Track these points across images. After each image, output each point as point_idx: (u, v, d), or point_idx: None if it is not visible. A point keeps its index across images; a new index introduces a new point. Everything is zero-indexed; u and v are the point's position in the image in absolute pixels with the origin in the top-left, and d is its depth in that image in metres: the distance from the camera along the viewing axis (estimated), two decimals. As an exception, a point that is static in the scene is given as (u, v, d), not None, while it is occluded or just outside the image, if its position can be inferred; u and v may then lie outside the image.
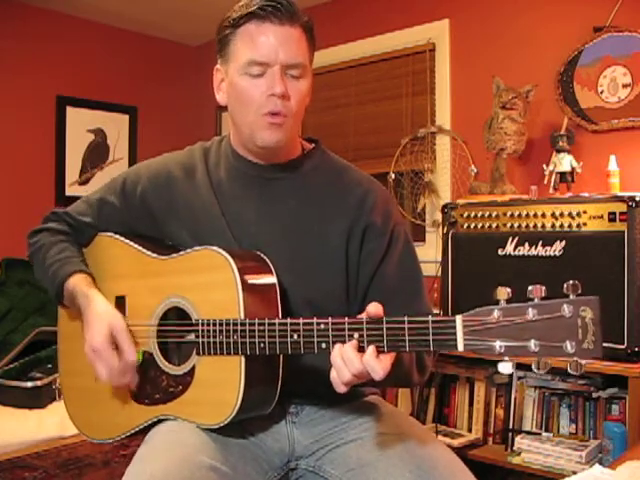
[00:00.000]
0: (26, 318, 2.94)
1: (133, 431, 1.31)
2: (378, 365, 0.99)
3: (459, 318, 0.96)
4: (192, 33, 4.15)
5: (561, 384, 2.37)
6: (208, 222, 1.31)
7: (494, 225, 2.44)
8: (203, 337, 1.18)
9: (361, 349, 1.02)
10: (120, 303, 1.34)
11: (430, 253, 3.06)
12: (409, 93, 3.32)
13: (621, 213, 2.13)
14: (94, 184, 3.78)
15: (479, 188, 2.74)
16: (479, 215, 2.48)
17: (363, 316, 1.04)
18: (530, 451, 2.27)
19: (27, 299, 2.97)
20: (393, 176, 3.28)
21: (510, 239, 2.37)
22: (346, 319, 1.04)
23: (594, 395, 2.28)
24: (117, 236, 1.39)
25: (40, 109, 3.71)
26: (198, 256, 1.24)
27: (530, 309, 0.92)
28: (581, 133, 2.68)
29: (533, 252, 2.31)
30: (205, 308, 1.21)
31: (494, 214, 2.44)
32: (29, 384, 2.54)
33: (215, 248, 1.21)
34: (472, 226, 2.49)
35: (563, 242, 2.24)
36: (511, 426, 2.44)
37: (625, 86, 2.60)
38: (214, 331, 1.17)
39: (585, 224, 2.21)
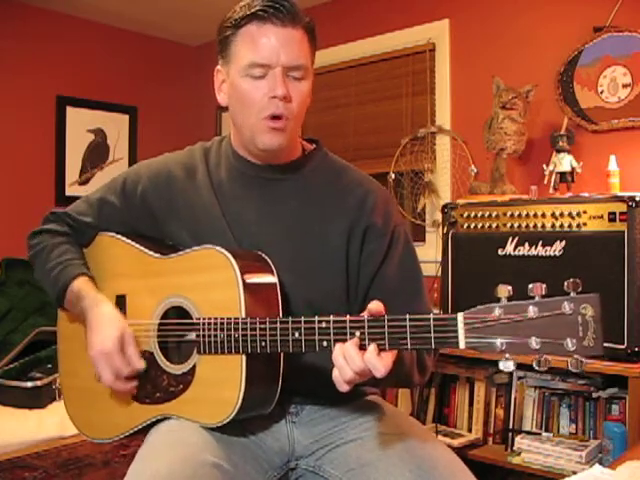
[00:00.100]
0: (26, 318, 2.94)
1: (133, 430, 1.31)
2: (379, 363, 0.99)
3: (460, 316, 0.96)
4: (192, 33, 4.15)
5: (561, 384, 2.37)
6: (208, 222, 1.31)
7: (494, 225, 2.44)
8: (204, 336, 1.19)
9: (363, 347, 1.02)
10: (120, 302, 1.34)
11: (430, 253, 3.06)
12: (409, 93, 3.32)
13: (621, 213, 2.13)
14: (94, 184, 3.78)
15: (479, 188, 2.74)
16: (479, 215, 2.48)
17: (364, 314, 1.04)
18: (530, 451, 2.26)
19: (27, 299, 2.97)
20: (393, 176, 3.28)
21: (510, 239, 2.37)
22: (348, 317, 1.05)
23: (594, 395, 2.28)
24: (118, 236, 1.39)
25: (40, 109, 3.71)
26: (199, 255, 1.24)
27: (531, 307, 0.93)
28: (581, 133, 2.69)
29: (533, 252, 2.31)
30: (206, 307, 1.21)
31: (494, 214, 2.44)
32: (29, 384, 2.54)
33: (216, 247, 1.21)
34: (472, 226, 2.49)
35: (563, 242, 2.24)
36: (511, 426, 2.44)
37: (625, 86, 2.60)
38: (215, 330, 1.17)
39: (585, 224, 2.21)
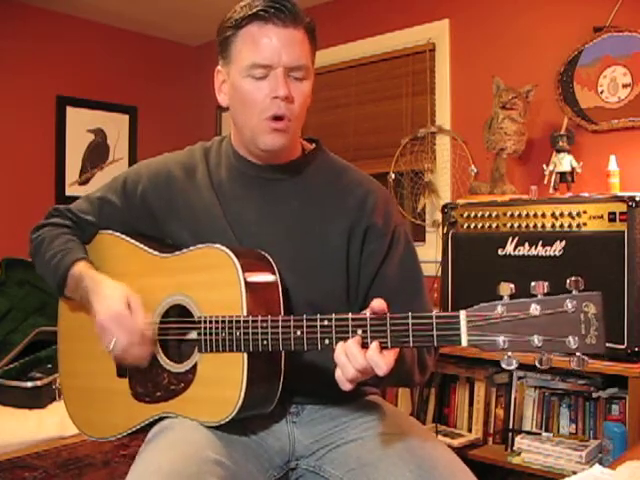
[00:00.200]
0: (26, 318, 2.94)
1: (134, 429, 1.31)
2: (382, 360, 0.99)
3: (463, 313, 0.97)
4: (192, 33, 4.15)
5: (561, 384, 2.37)
6: (209, 222, 1.31)
7: (494, 225, 2.44)
8: (205, 334, 1.18)
9: (365, 345, 1.02)
10: (121, 301, 1.34)
11: (430, 253, 3.06)
12: (409, 93, 3.32)
13: (621, 213, 2.13)
14: (94, 184, 3.78)
15: (479, 188, 2.74)
16: (479, 215, 2.48)
17: (367, 312, 1.04)
18: (530, 451, 2.26)
19: (27, 299, 2.97)
20: (393, 176, 3.28)
21: (510, 239, 2.37)
22: (350, 315, 1.05)
23: (594, 395, 2.28)
24: (118, 234, 1.39)
25: (40, 109, 3.71)
26: (200, 254, 1.24)
27: (533, 305, 0.93)
28: (581, 133, 2.69)
29: (533, 252, 2.31)
30: (207, 306, 1.21)
31: (494, 214, 2.44)
32: (29, 384, 2.54)
33: (218, 246, 1.21)
34: (472, 226, 2.49)
35: (563, 242, 2.24)
36: (511, 426, 2.44)
37: (625, 86, 2.60)
38: (216, 328, 1.17)
39: (585, 224, 2.22)
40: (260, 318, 1.13)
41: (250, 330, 1.13)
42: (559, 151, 2.57)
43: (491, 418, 2.54)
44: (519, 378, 2.46)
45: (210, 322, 1.18)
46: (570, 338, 0.91)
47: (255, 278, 1.18)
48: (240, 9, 1.23)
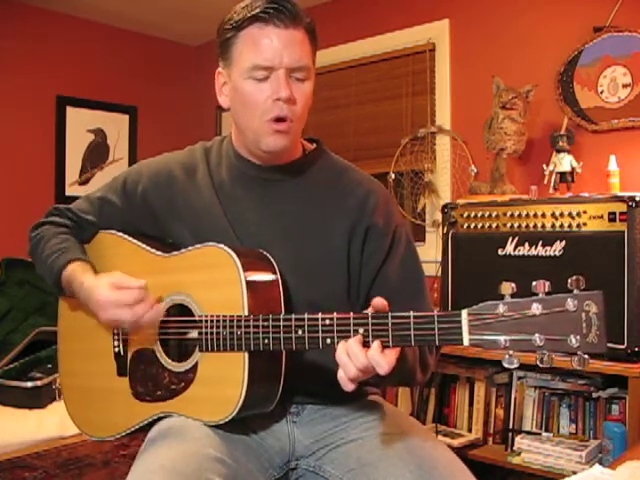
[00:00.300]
0: (26, 318, 2.94)
1: (134, 428, 1.31)
2: (383, 359, 0.99)
3: (464, 312, 0.97)
4: (192, 33, 4.15)
5: (561, 384, 2.37)
6: (210, 222, 1.31)
7: (494, 225, 2.44)
8: (206, 333, 1.18)
9: (366, 344, 1.02)
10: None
11: (430, 253, 3.06)
12: (409, 93, 3.32)
13: (621, 213, 2.13)
14: (94, 184, 3.78)
15: (479, 188, 2.74)
16: (479, 215, 2.48)
17: (368, 311, 1.04)
18: (530, 451, 2.26)
19: (27, 299, 2.97)
20: (393, 176, 3.28)
21: (510, 239, 2.37)
22: (351, 314, 1.05)
23: (594, 395, 2.28)
24: (119, 234, 1.39)
25: (40, 109, 3.71)
26: (201, 253, 1.24)
27: (534, 304, 0.93)
28: (581, 133, 2.69)
29: (533, 252, 2.31)
30: (208, 305, 1.20)
31: (494, 214, 2.44)
32: (29, 384, 2.54)
33: (219, 245, 1.21)
34: (472, 226, 2.49)
35: (563, 242, 2.24)
36: (511, 426, 2.44)
37: (625, 86, 2.60)
38: (217, 327, 1.17)
39: (585, 224, 2.22)
40: (261, 317, 1.13)
41: (251, 329, 1.13)
42: (559, 151, 2.57)
43: (491, 418, 2.54)
44: (519, 378, 2.46)
45: (211, 321, 1.18)
46: (572, 337, 0.91)
47: (256, 277, 1.18)
48: (240, 10, 1.23)
